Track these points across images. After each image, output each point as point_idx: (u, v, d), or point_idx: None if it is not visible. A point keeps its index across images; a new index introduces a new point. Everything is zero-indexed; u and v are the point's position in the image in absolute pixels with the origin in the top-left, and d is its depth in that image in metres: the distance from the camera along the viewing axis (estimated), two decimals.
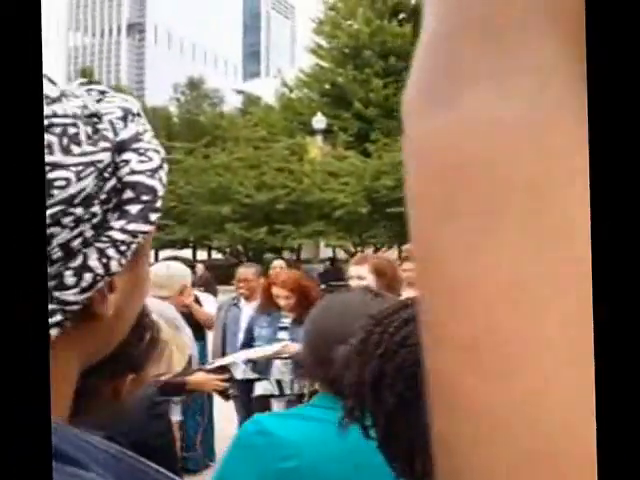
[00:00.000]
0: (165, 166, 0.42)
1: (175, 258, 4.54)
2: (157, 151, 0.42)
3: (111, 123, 0.39)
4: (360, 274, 3.17)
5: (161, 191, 0.41)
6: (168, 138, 27.76)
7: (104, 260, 0.38)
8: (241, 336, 3.56)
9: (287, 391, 3.09)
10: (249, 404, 3.25)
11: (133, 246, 0.39)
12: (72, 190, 0.35)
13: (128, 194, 0.39)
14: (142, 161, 0.40)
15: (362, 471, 0.97)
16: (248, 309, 3.76)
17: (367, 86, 23.80)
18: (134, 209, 0.39)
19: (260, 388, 3.20)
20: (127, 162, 0.39)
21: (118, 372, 1.03)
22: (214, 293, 6.52)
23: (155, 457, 0.49)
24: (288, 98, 27.40)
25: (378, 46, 24.24)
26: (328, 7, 26.84)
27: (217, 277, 11.05)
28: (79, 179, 0.36)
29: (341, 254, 21.49)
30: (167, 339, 2.49)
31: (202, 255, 25.69)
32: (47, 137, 0.34)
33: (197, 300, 4.05)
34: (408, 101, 0.19)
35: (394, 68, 24.07)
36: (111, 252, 0.38)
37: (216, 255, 26.43)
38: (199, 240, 23.74)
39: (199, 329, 3.88)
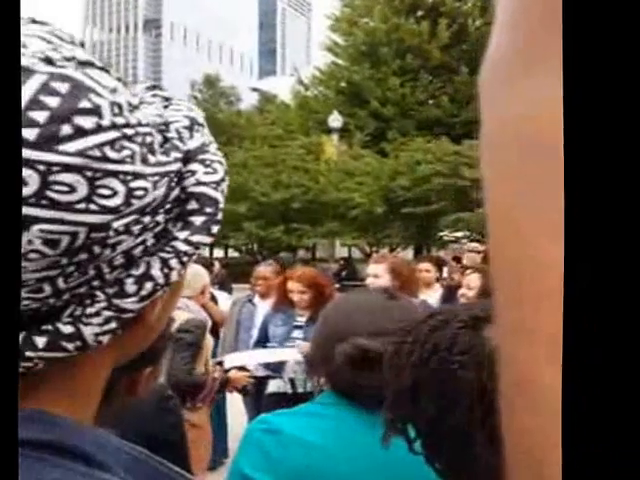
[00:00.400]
0: (227, 178, 0.42)
1: None
2: (221, 163, 0.42)
3: (178, 132, 0.39)
4: (376, 272, 3.30)
5: (222, 203, 0.41)
6: None
7: (166, 270, 0.38)
8: (255, 333, 3.62)
9: (300, 389, 3.16)
10: (260, 402, 3.30)
11: (194, 257, 0.40)
12: (147, 200, 0.35)
13: (192, 205, 0.39)
14: (208, 173, 0.40)
15: (371, 468, 0.98)
16: (263, 306, 3.80)
17: (384, 84, 23.80)
18: (198, 221, 0.39)
19: (273, 386, 3.27)
20: (193, 173, 0.39)
21: (139, 366, 1.04)
22: (229, 291, 6.69)
23: (166, 451, 0.51)
24: (304, 96, 27.46)
25: (395, 44, 24.22)
26: (344, 4, 26.87)
27: (233, 275, 11.25)
28: (155, 189, 0.36)
29: (356, 254, 21.58)
30: (206, 340, 2.70)
31: (219, 253, 25.92)
32: (131, 146, 0.34)
33: (213, 298, 4.12)
34: (483, 78, 0.20)
35: (411, 66, 24.05)
36: (173, 262, 0.38)
37: (233, 253, 26.65)
38: (216, 238, 23.91)
39: (214, 328, 3.92)
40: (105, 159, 0.32)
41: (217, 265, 8.13)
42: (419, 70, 24.10)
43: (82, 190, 0.32)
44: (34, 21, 0.36)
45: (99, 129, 0.32)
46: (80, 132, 0.31)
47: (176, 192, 0.38)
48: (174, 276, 0.39)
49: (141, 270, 0.37)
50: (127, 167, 0.34)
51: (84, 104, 0.32)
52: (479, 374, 0.63)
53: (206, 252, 22.22)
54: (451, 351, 0.69)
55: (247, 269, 5.90)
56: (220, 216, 0.41)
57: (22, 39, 0.32)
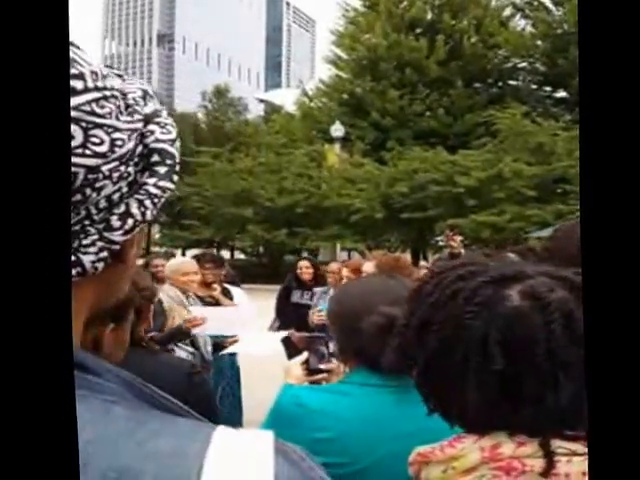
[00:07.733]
0: (178, 139, 0.48)
1: (204, 254, 4.70)
2: (173, 126, 0.47)
3: (135, 100, 0.45)
4: (367, 269, 3.38)
5: (178, 158, 0.47)
6: (196, 143, 27.79)
7: (142, 209, 0.44)
8: None
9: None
10: None
11: (162, 200, 0.45)
12: (124, 150, 0.41)
13: (155, 158, 0.45)
14: (164, 132, 0.46)
15: (391, 444, 1.00)
16: None
17: (384, 97, 23.60)
18: (162, 170, 0.45)
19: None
20: (152, 132, 0.45)
21: (102, 322, 1.06)
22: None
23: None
24: (308, 107, 27.28)
25: (395, 59, 24.04)
26: (348, 21, 26.70)
27: (240, 276, 11.18)
28: (128, 141, 0.42)
29: (356, 257, 21.35)
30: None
31: (225, 255, 25.71)
32: (109, 105, 0.40)
33: (228, 293, 4.16)
34: None
35: (409, 80, 23.86)
36: (147, 203, 0.44)
37: (238, 255, 26.41)
38: (223, 240, 23.73)
39: None
40: (93, 113, 0.39)
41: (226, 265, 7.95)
42: (417, 83, 23.90)
43: (79, 138, 0.38)
44: None
45: (86, 90, 0.39)
46: (73, 92, 0.38)
47: (140, 148, 0.44)
48: (149, 215, 0.45)
49: (122, 209, 0.43)
50: (108, 121, 0.40)
51: (72, 71, 0.38)
52: (487, 328, 0.66)
53: (214, 252, 22.01)
54: (469, 301, 0.69)
55: (253, 271, 5.70)
56: (178, 168, 0.47)
57: None
